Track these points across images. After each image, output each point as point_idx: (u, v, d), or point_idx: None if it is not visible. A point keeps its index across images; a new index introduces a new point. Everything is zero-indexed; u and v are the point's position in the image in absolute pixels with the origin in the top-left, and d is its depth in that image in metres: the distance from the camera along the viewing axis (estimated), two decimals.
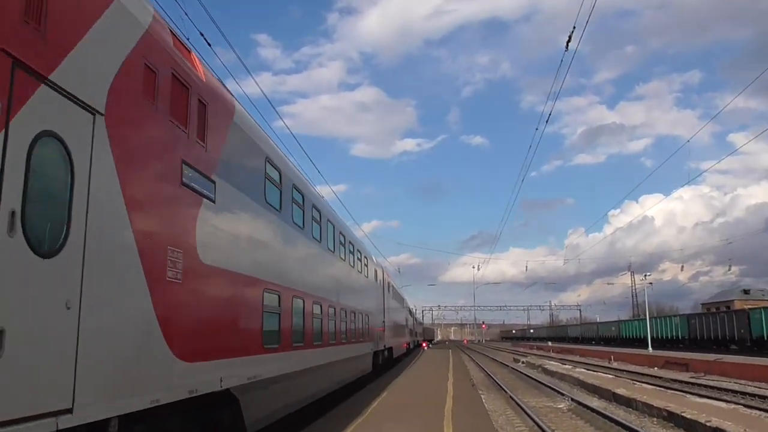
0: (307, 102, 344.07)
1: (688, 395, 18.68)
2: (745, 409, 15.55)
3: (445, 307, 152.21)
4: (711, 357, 33.21)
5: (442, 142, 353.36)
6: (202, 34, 11.06)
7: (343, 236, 17.23)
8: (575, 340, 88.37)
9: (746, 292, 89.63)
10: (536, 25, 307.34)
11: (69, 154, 4.21)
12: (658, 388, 21.62)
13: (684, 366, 33.31)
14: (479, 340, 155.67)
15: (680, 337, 52.31)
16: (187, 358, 6.07)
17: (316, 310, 12.73)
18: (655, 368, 35.36)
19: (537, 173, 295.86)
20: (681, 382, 25.62)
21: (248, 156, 8.83)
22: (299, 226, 11.63)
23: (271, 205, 9.65)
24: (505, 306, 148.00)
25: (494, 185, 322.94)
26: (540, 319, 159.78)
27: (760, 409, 15.99)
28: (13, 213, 3.65)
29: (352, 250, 18.69)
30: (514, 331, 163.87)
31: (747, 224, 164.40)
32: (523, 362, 42.36)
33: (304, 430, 11.67)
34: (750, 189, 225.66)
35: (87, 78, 4.47)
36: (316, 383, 13.05)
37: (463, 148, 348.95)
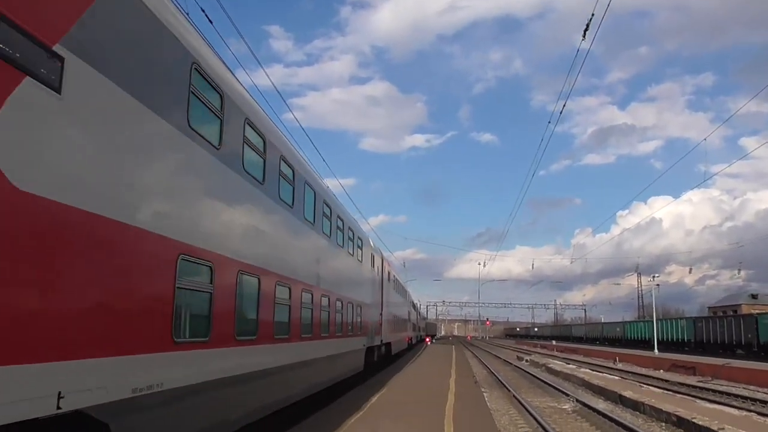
0: (318, 95, 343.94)
1: (697, 400, 18.15)
2: (758, 417, 15.02)
3: (450, 303, 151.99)
4: (719, 361, 32.58)
5: (451, 138, 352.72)
6: (211, 22, 10.59)
7: (329, 207, 14.23)
8: (579, 339, 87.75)
9: (754, 296, 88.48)
10: (549, 23, 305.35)
11: None
12: (665, 391, 21.11)
13: (691, 369, 32.71)
14: (483, 337, 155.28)
15: (686, 340, 51.63)
16: None
17: (281, 293, 9.75)
18: (661, 371, 34.76)
19: (546, 172, 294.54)
20: (688, 386, 25.04)
21: (147, 35, 5.63)
22: (254, 178, 8.51)
23: (194, 129, 6.48)
24: (510, 303, 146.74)
25: (502, 183, 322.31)
26: (544, 317, 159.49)
27: None
28: None
29: (341, 226, 15.74)
30: (518, 329, 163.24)
31: (756, 229, 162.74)
32: (526, 360, 41.87)
33: (295, 426, 11.24)
34: (760, 194, 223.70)
35: None
36: (279, 389, 10.02)
37: (473, 145, 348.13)
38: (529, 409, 16.39)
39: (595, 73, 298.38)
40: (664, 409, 15.00)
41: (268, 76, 17.86)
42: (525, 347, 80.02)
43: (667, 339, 53.15)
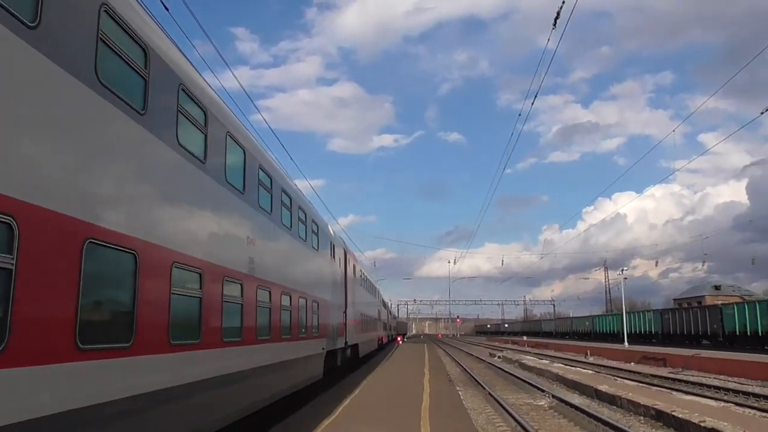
0: (285, 96, 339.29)
1: (673, 392, 18.00)
2: (736, 407, 14.87)
3: (421, 301, 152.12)
4: (688, 352, 32.91)
5: (419, 138, 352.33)
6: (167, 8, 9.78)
7: (269, 178, 11.40)
8: (549, 334, 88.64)
9: (717, 288, 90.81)
10: (514, 24, 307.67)
11: None
12: (640, 384, 20.97)
13: (661, 361, 32.96)
14: (454, 334, 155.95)
15: (653, 332, 52.39)
16: None
17: (185, 282, 6.99)
18: (632, 363, 34.99)
19: (512, 170, 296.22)
20: (661, 377, 25.09)
21: None
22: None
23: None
24: (480, 300, 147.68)
25: (471, 181, 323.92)
26: (514, 314, 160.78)
27: (752, 408, 15.29)
28: None
29: (287, 204, 12.74)
30: (488, 326, 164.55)
31: (716, 222, 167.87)
32: (499, 357, 41.73)
33: (270, 430, 10.53)
34: (719, 188, 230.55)
35: None
36: (194, 412, 7.28)
37: (441, 145, 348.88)
38: (506, 406, 15.97)
39: (559, 73, 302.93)
40: (641, 403, 14.74)
41: (236, 77, 16.90)
42: (496, 343, 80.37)
43: (636, 332, 53.85)
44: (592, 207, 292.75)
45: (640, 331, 54.03)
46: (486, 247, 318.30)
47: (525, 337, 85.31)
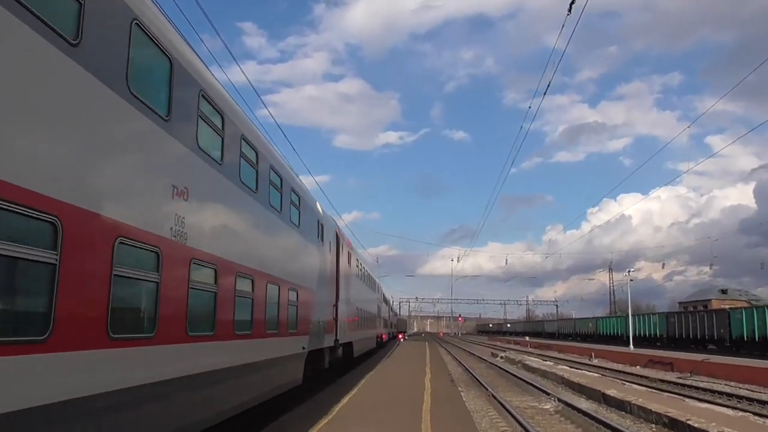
0: (291, 92, 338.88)
1: (686, 399, 17.26)
2: (756, 417, 14.14)
3: (423, 299, 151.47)
4: (697, 357, 32.15)
5: (424, 135, 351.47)
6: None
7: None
8: (551, 335, 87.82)
9: (724, 291, 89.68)
10: (521, 23, 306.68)
11: None
12: (649, 389, 20.26)
13: (669, 365, 32.20)
14: (455, 333, 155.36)
15: (658, 335, 51.59)
16: None
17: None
18: (638, 367, 34.26)
19: (517, 169, 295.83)
20: (670, 382, 24.36)
21: None
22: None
23: None
24: (482, 300, 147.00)
25: (475, 179, 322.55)
26: (516, 314, 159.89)
27: None
28: None
29: (252, 160, 9.96)
30: (490, 325, 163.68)
31: (722, 225, 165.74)
32: (501, 357, 41.07)
33: (264, 430, 9.91)
34: (725, 191, 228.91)
35: None
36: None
37: (446, 143, 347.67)
38: (510, 410, 15.32)
39: (566, 72, 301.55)
40: (653, 409, 14.04)
41: (243, 72, 16.05)
42: (499, 343, 79.72)
43: (640, 334, 53.03)
44: (597, 208, 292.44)
45: (645, 334, 53.22)
46: (489, 246, 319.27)
47: (527, 338, 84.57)
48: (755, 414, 14.91)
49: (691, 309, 68.00)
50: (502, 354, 43.80)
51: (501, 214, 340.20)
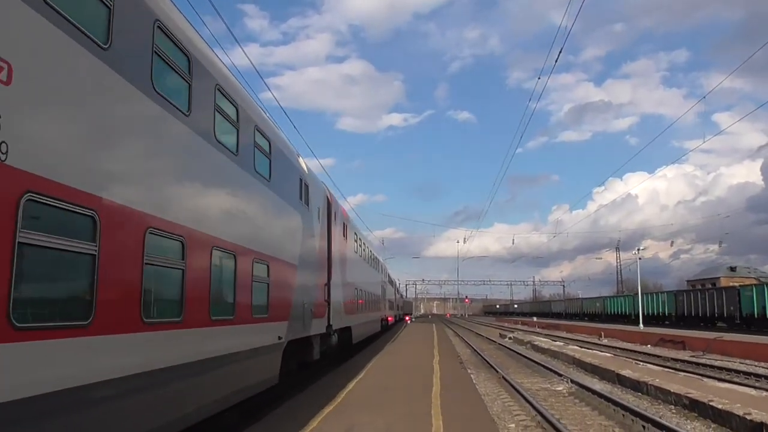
0: (295, 74, 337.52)
1: (704, 378, 16.73)
2: None
3: (429, 281, 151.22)
4: (708, 335, 31.63)
5: (429, 117, 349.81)
6: None
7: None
8: (559, 315, 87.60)
9: (732, 269, 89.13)
10: (526, 0, 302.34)
11: None
12: (664, 368, 19.76)
13: (680, 344, 31.74)
14: (462, 315, 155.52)
15: (667, 314, 51.18)
16: None
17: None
18: (649, 346, 33.81)
19: (522, 149, 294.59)
20: (684, 361, 23.87)
21: None
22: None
23: None
24: (489, 281, 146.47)
25: (480, 160, 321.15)
26: (523, 294, 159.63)
27: None
28: None
29: (221, 109, 8.04)
30: (497, 306, 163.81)
31: (729, 203, 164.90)
32: (510, 338, 40.70)
33: (256, 423, 9.43)
34: (732, 168, 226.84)
35: None
36: None
37: (450, 123, 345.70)
38: (522, 392, 14.83)
39: (571, 51, 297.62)
40: (672, 390, 13.51)
41: (246, 54, 15.03)
42: (506, 324, 79.52)
43: (649, 313, 52.62)
44: (602, 187, 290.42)
45: (654, 313, 52.85)
46: (495, 227, 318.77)
47: (535, 318, 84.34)
48: None
49: (700, 287, 67.38)
50: (510, 335, 43.44)
51: (507, 194, 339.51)
